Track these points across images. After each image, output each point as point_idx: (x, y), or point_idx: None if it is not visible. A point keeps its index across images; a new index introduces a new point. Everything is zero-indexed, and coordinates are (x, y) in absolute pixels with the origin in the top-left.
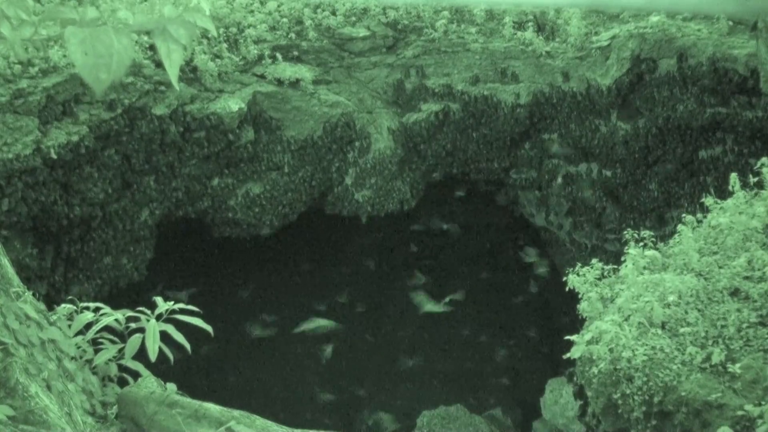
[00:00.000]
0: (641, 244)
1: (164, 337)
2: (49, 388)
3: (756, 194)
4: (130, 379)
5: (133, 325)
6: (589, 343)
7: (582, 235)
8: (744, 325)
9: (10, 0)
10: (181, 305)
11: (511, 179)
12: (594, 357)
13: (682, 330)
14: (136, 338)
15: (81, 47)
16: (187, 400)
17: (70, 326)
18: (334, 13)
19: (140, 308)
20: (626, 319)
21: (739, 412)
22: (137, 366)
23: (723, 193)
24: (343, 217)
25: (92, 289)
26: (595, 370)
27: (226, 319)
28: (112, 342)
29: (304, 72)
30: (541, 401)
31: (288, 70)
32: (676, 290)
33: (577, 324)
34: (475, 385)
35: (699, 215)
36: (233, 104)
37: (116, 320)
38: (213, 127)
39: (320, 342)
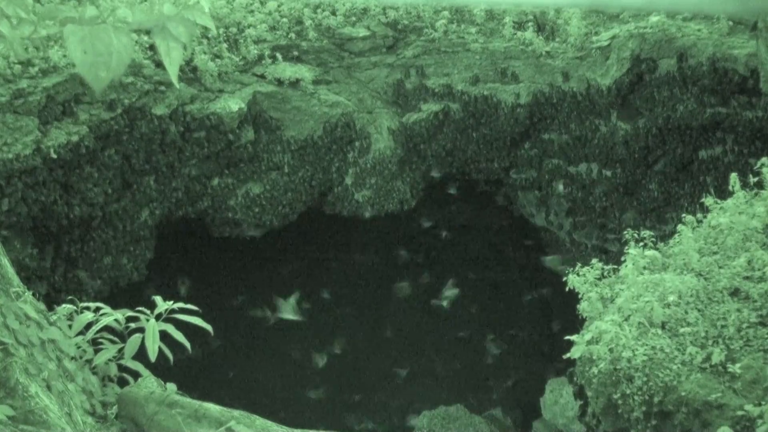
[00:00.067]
0: (641, 244)
1: (164, 336)
2: (49, 388)
3: (756, 194)
4: (130, 379)
5: (132, 325)
6: (589, 343)
7: (582, 235)
8: (744, 325)
9: None
10: (181, 304)
11: (511, 179)
12: (594, 357)
13: (682, 330)
14: (136, 338)
15: (80, 46)
16: (187, 400)
17: (70, 326)
18: (334, 13)
19: (140, 308)
20: (626, 319)
21: (739, 412)
22: (137, 366)
23: (723, 193)
24: (343, 217)
25: (92, 289)
26: (595, 370)
27: (226, 319)
28: (112, 342)
29: (304, 72)
30: (541, 401)
31: (288, 70)
32: (676, 290)
33: (577, 324)
34: (475, 385)
35: (699, 215)
36: (233, 104)
37: (116, 320)
38: (213, 127)
39: (320, 342)
